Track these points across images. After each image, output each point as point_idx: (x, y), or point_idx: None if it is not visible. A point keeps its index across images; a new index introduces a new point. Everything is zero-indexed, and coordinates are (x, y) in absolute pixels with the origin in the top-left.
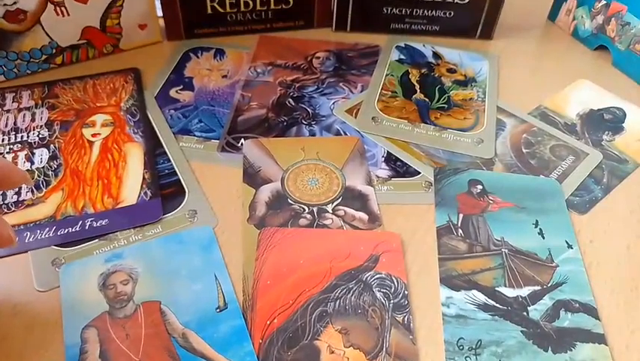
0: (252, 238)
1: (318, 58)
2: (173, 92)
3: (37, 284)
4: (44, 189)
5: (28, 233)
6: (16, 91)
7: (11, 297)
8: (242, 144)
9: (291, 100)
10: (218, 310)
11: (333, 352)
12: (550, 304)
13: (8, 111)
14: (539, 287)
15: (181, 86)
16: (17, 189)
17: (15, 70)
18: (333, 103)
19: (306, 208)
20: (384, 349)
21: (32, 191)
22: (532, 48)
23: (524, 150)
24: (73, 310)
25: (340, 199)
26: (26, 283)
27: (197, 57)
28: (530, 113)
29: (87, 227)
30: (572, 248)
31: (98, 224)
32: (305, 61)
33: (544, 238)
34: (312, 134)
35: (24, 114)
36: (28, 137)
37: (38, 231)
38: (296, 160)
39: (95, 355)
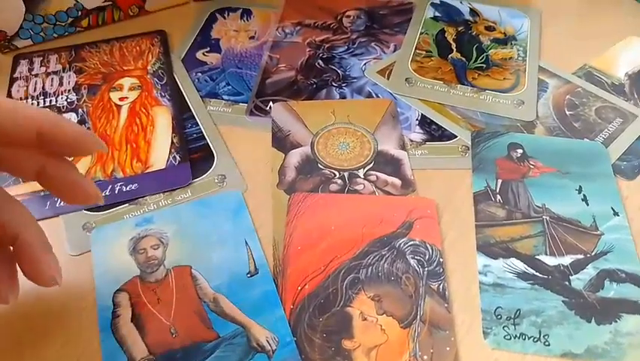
0: (282, 203)
1: (349, 17)
2: (199, 55)
3: (70, 248)
4: None
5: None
6: (44, 55)
7: None
8: (270, 107)
9: (320, 61)
10: (249, 275)
11: (365, 319)
12: (594, 274)
13: (36, 75)
14: (582, 256)
15: (208, 48)
16: None
17: (42, 34)
18: (365, 64)
19: (337, 173)
20: (418, 317)
21: None
22: (576, 4)
23: (568, 112)
24: (104, 274)
25: (372, 164)
26: (59, 247)
27: (224, 18)
28: (574, 73)
29: (117, 191)
30: (618, 215)
31: (127, 188)
32: (335, 20)
33: (588, 204)
34: (343, 96)
35: (52, 78)
36: (56, 101)
37: None
38: (326, 124)
39: (126, 318)
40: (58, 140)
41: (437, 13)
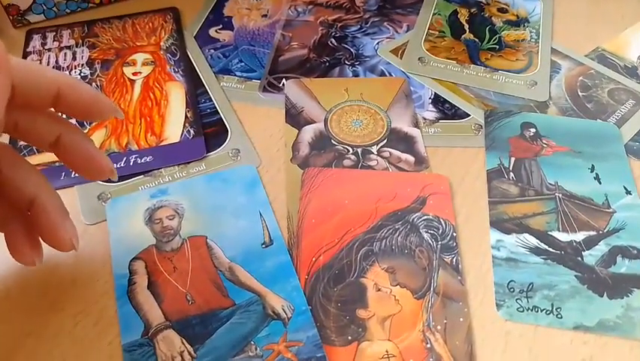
0: (296, 177)
1: None
2: (212, 32)
3: (85, 218)
4: (88, 127)
5: None
6: (57, 30)
7: None
8: (283, 84)
9: (333, 40)
10: (264, 246)
11: (379, 289)
12: (607, 250)
13: (50, 50)
14: (595, 232)
15: (220, 26)
16: None
17: (54, 9)
18: (377, 43)
19: (351, 149)
20: (431, 288)
21: None
22: None
23: (580, 94)
24: (120, 243)
25: (385, 141)
26: (74, 216)
27: None
28: (587, 56)
29: (131, 163)
30: (630, 194)
31: (142, 160)
32: None
33: (600, 183)
34: (356, 75)
35: (65, 53)
36: (70, 75)
37: None
38: (339, 101)
39: (143, 285)
40: (76, 102)
41: None
